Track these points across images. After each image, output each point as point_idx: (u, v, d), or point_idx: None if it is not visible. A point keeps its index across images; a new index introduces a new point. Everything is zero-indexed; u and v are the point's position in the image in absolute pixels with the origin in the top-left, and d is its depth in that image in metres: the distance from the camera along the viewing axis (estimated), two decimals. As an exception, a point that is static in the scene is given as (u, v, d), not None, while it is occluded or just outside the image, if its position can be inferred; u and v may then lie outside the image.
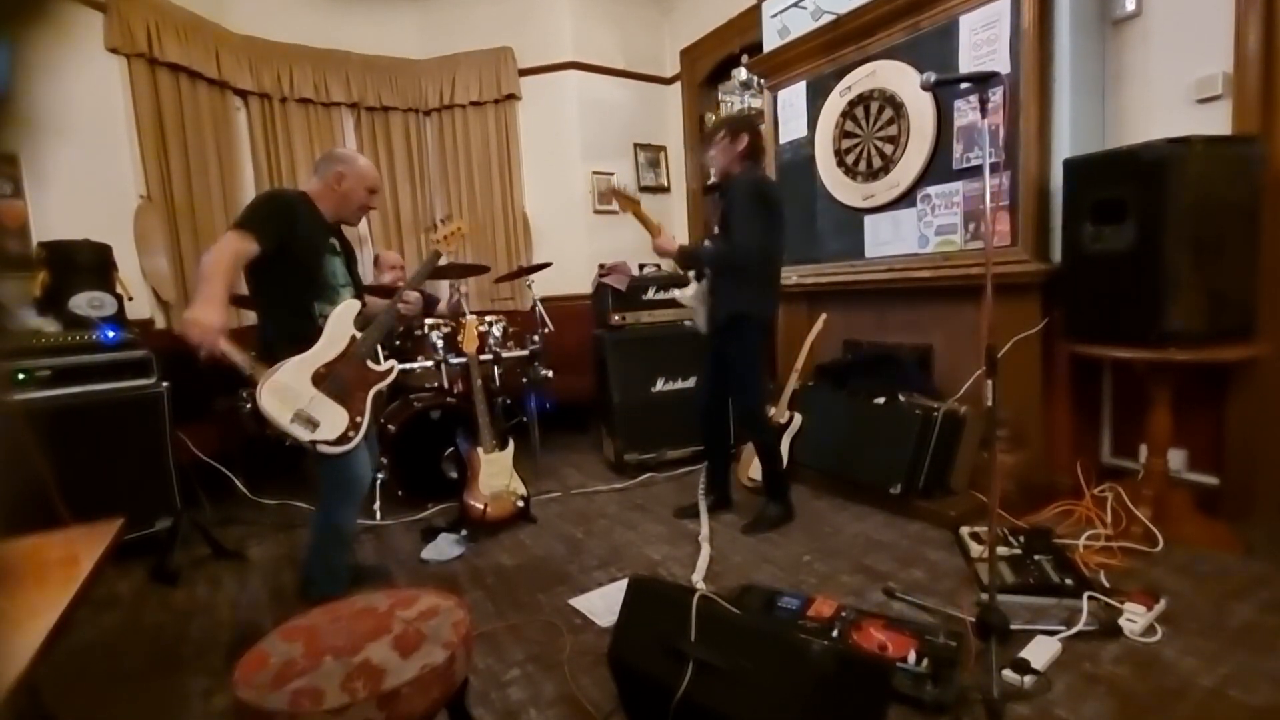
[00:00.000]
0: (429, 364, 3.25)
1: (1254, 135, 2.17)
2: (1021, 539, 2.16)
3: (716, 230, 2.61)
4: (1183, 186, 2.02)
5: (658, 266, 4.08)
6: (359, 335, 2.03)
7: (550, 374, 3.59)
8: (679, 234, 4.85)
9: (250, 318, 3.53)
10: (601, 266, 3.87)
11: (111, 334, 2.58)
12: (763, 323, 2.57)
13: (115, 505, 1.77)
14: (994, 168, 2.12)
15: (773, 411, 2.94)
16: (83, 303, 2.59)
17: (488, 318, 3.45)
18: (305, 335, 1.94)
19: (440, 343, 3.27)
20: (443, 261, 2.44)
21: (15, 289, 2.65)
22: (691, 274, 2.75)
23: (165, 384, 2.65)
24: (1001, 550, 2.07)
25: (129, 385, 2.57)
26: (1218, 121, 2.28)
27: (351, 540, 2.17)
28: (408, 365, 3.17)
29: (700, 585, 2.12)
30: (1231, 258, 2.07)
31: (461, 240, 2.36)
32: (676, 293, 2.78)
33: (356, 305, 2.07)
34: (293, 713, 0.97)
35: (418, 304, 2.25)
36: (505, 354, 3.43)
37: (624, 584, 1.50)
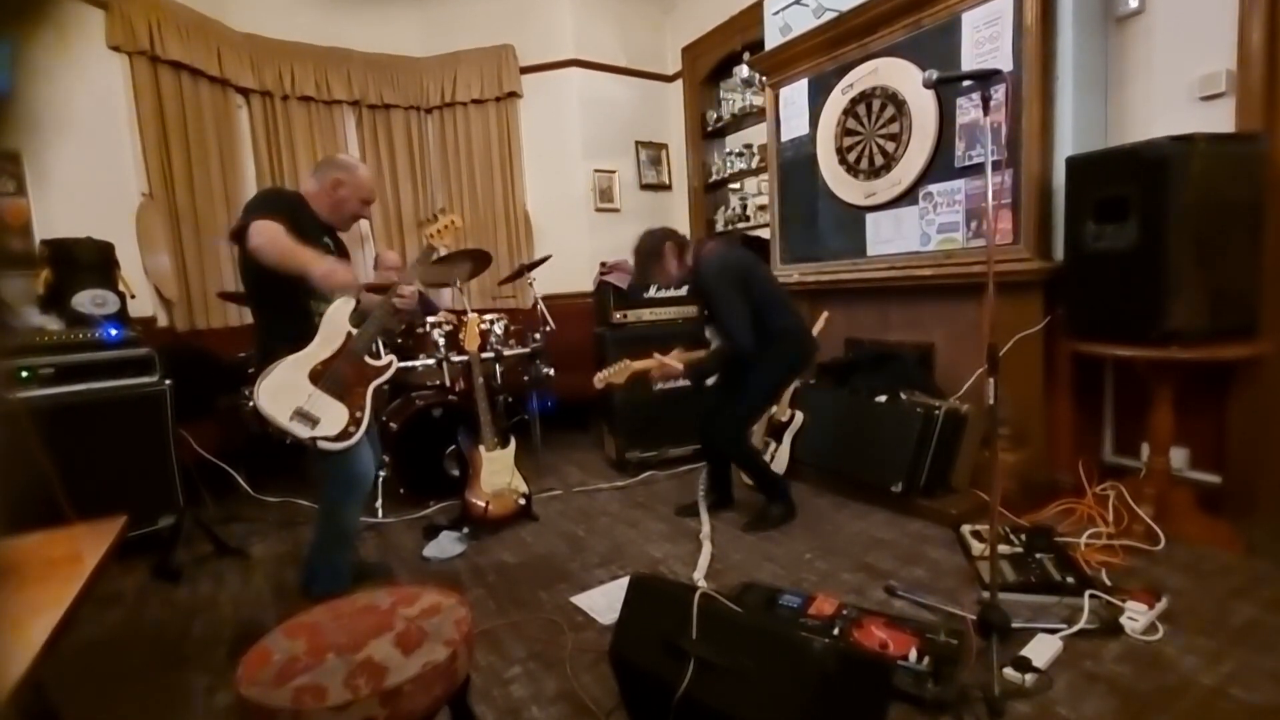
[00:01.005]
0: (431, 362, 3.25)
1: (1257, 132, 2.16)
2: (1023, 537, 2.16)
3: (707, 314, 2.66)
4: (1185, 184, 2.01)
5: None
6: (355, 332, 2.04)
7: (552, 372, 3.59)
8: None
9: (250, 317, 3.54)
10: (603, 264, 3.88)
11: (114, 332, 2.58)
12: (797, 358, 2.64)
13: (118, 503, 1.76)
14: (996, 165, 2.13)
15: (774, 410, 2.94)
16: (85, 300, 2.60)
17: (489, 315, 3.44)
18: (302, 333, 1.95)
19: (442, 340, 3.27)
20: (435, 257, 2.44)
21: (18, 287, 2.66)
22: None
23: (168, 382, 2.65)
24: (1003, 548, 2.07)
25: (132, 383, 2.58)
26: (1221, 119, 2.27)
27: (354, 538, 2.18)
28: (409, 363, 3.17)
29: (701, 583, 2.13)
30: (1234, 256, 2.07)
31: (456, 234, 2.35)
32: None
33: (352, 302, 2.07)
34: (295, 710, 0.97)
35: (414, 298, 2.22)
36: (507, 352, 3.43)
37: (625, 582, 1.50)
